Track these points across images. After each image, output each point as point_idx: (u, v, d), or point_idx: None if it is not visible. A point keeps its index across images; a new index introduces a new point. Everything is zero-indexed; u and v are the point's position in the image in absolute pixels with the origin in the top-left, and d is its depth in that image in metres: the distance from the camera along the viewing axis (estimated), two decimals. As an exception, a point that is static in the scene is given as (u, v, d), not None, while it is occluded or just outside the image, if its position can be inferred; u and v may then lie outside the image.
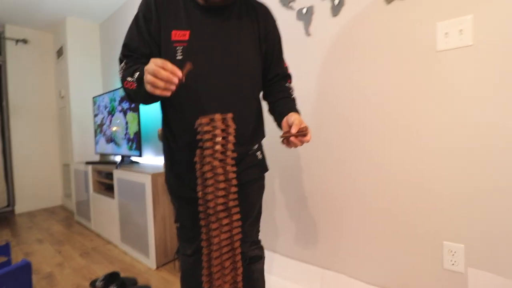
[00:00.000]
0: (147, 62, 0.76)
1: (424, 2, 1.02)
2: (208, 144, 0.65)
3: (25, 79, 3.22)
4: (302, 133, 0.72)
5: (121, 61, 0.81)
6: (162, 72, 0.59)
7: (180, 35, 0.76)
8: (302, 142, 0.74)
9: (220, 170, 0.66)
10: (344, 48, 1.23)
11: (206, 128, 0.64)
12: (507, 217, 0.90)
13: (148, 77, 0.61)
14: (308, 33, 1.35)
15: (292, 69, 1.37)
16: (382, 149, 1.15)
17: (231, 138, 0.67)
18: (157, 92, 0.61)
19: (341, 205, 1.29)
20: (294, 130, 0.73)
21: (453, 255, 1.01)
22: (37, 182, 3.31)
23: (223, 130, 0.66)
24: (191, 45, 0.76)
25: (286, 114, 0.81)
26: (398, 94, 1.10)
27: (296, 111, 0.86)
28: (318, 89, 1.33)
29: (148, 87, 0.62)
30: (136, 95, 0.73)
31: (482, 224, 0.94)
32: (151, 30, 0.78)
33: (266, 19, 0.88)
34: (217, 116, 0.64)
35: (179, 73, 0.60)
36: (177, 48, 0.76)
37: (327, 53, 1.29)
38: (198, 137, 0.67)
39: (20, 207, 3.18)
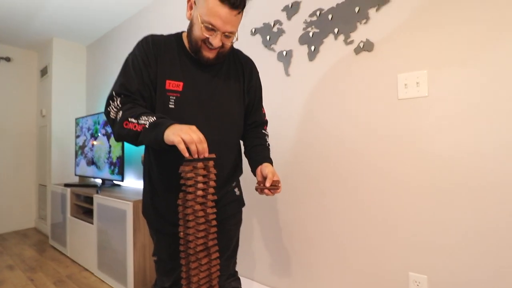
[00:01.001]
0: (145, 105, 0.82)
1: (387, 55, 1.16)
2: (190, 189, 0.71)
3: (6, 96, 3.17)
4: (275, 187, 0.82)
5: (113, 99, 0.81)
6: (203, 145, 0.69)
7: (174, 85, 0.83)
8: (273, 194, 0.84)
9: (201, 213, 0.72)
10: (319, 90, 1.35)
11: (189, 174, 0.70)
12: (465, 252, 1.00)
13: (188, 137, 0.67)
14: (287, 74, 1.46)
15: (273, 104, 1.49)
16: (354, 185, 1.25)
17: (212, 183, 0.74)
18: (183, 149, 0.67)
19: (314, 236, 1.37)
20: (268, 184, 0.82)
21: (417, 285, 1.09)
22: (10, 202, 3.18)
23: (204, 176, 0.73)
24: (184, 96, 0.83)
25: (261, 163, 0.90)
26: (367, 134, 1.21)
27: (269, 161, 0.94)
28: (296, 124, 1.44)
29: (182, 146, 0.67)
30: (135, 136, 0.74)
31: (443, 257, 1.04)
32: (150, 74, 0.82)
33: (250, 73, 0.97)
34: (200, 164, 0.71)
35: (207, 154, 0.71)
36: (170, 97, 0.82)
37: (305, 93, 1.40)
38: (182, 181, 0.73)
39: (-11, 230, 3.03)
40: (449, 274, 1.02)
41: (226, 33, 0.79)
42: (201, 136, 0.70)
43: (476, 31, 0.97)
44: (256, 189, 0.86)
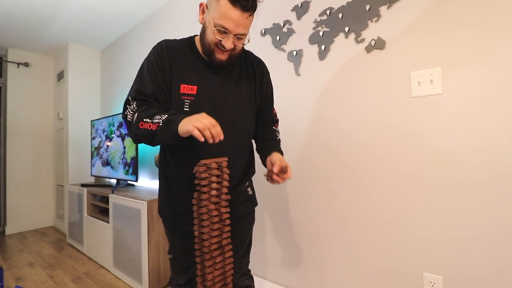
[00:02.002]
0: (160, 107, 0.84)
1: (399, 52, 1.15)
2: (204, 189, 0.72)
3: (24, 100, 3.29)
4: (283, 172, 0.82)
5: (129, 103, 0.85)
6: (216, 129, 0.70)
7: (188, 89, 0.85)
8: (283, 179, 0.83)
9: (215, 213, 0.73)
10: (330, 89, 1.35)
11: (203, 175, 0.72)
12: (480, 251, 0.98)
13: (200, 124, 0.69)
14: (298, 73, 1.47)
15: (283, 104, 1.49)
16: (366, 184, 1.24)
17: (225, 183, 0.75)
18: (198, 135, 0.69)
19: (326, 234, 1.36)
20: (276, 169, 0.82)
21: (432, 286, 1.07)
22: (29, 202, 3.30)
23: (218, 176, 0.74)
24: (198, 99, 0.85)
25: (270, 153, 0.91)
26: (379, 132, 1.20)
27: (279, 151, 0.94)
28: (307, 123, 1.44)
29: (196, 132, 0.69)
30: (151, 135, 0.77)
31: (458, 257, 1.02)
32: (165, 79, 0.85)
33: (261, 74, 0.99)
34: (213, 165, 0.72)
35: (222, 137, 0.72)
36: (185, 101, 0.84)
37: (315, 92, 1.40)
38: (196, 182, 0.75)
39: (10, 228, 3.15)
40: (464, 275, 1.00)
41: (238, 35, 0.81)
42: (213, 120, 0.71)
43: (492, 26, 0.95)
44: (267, 179, 0.86)
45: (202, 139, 0.69)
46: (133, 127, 0.80)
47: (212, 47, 0.83)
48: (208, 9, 0.82)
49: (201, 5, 0.85)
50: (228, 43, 0.81)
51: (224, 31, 0.79)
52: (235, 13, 0.76)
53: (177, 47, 0.89)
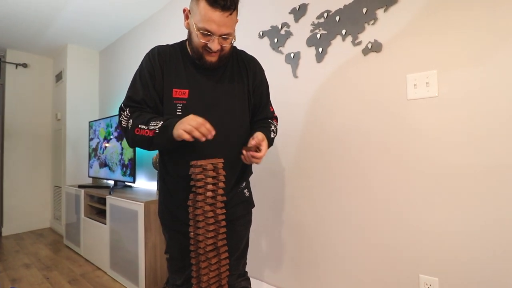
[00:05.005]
0: (152, 112, 0.86)
1: (395, 55, 1.15)
2: (200, 190, 0.72)
3: (22, 101, 3.28)
4: (255, 147, 0.81)
5: (123, 110, 0.88)
6: (205, 126, 0.74)
7: (180, 93, 0.86)
8: (255, 158, 0.83)
9: (210, 214, 0.73)
10: (327, 91, 1.36)
11: (199, 176, 0.72)
12: (477, 253, 0.98)
13: (188, 127, 0.73)
14: (295, 76, 1.47)
15: (281, 106, 1.49)
16: (361, 187, 1.24)
17: (221, 184, 0.76)
18: (188, 137, 0.73)
19: (323, 236, 1.36)
20: (252, 142, 0.82)
21: (428, 287, 1.08)
22: (27, 203, 3.29)
23: (213, 177, 0.74)
24: (190, 102, 0.86)
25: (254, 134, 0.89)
26: (376, 135, 1.21)
27: (264, 132, 0.91)
28: (304, 125, 1.44)
29: (186, 135, 0.73)
30: (148, 141, 0.80)
31: (454, 259, 1.02)
32: (155, 85, 0.87)
33: (254, 72, 0.98)
34: (209, 166, 0.73)
35: (213, 132, 0.75)
36: (177, 105, 0.85)
37: (313, 95, 1.41)
38: (192, 183, 0.75)
39: (7, 229, 3.13)
40: (461, 277, 1.01)
41: (223, 36, 0.81)
42: (200, 119, 0.74)
43: (488, 30, 0.96)
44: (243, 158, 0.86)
45: (191, 139, 0.73)
46: (130, 133, 0.83)
47: (200, 51, 0.84)
48: (191, 14, 0.83)
49: (184, 10, 0.86)
50: (214, 45, 0.81)
51: (207, 33, 0.80)
52: (215, 14, 0.77)
53: (168, 53, 0.90)
